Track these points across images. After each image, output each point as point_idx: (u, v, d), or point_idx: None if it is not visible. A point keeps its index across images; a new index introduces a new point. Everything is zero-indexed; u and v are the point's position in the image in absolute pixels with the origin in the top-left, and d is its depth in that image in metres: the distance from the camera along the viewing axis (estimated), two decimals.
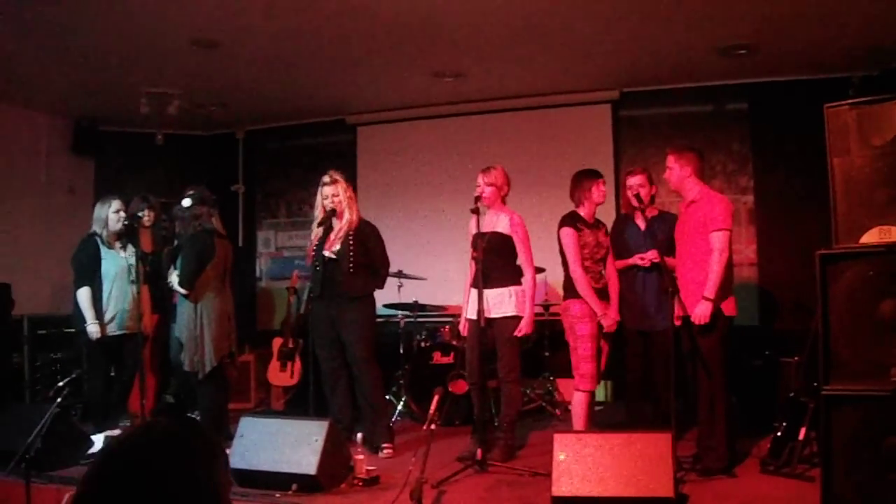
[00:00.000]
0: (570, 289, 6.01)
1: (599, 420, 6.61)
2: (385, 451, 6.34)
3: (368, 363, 6.44)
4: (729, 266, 5.52)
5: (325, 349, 6.53)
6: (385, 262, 6.66)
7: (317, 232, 6.56)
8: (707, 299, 5.36)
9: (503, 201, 6.38)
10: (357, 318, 6.42)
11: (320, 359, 6.55)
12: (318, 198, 6.56)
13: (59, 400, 5.92)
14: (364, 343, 6.43)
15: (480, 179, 6.31)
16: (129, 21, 6.59)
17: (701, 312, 5.36)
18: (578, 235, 6.01)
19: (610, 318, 5.94)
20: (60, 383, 6.29)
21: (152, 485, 1.53)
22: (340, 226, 6.48)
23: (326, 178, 6.53)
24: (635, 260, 6.38)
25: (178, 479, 1.56)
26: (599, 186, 6.16)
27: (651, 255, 6.22)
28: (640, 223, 6.44)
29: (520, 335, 6.15)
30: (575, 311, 5.94)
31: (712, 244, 5.43)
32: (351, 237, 6.43)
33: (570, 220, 6.08)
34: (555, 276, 7.80)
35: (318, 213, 6.55)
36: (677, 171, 5.69)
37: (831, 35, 7.03)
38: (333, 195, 6.46)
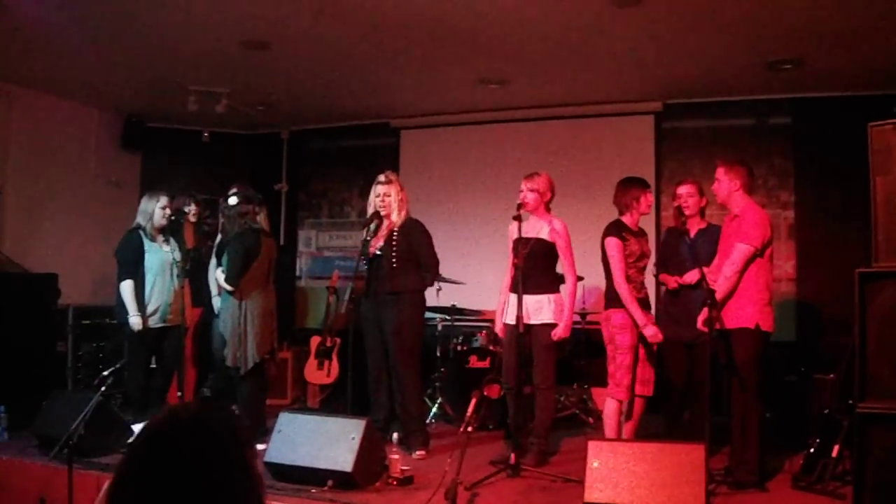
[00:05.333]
0: (612, 298, 6.00)
1: (634, 429, 6.63)
2: (418, 453, 6.39)
3: (406, 363, 6.47)
4: (766, 283, 5.50)
5: (372, 347, 6.60)
6: (432, 258, 6.63)
7: (365, 232, 6.62)
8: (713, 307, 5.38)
9: (547, 208, 6.41)
10: (398, 314, 6.44)
11: (368, 356, 6.63)
12: (371, 196, 6.62)
13: (102, 389, 6.05)
14: (403, 342, 6.44)
15: (524, 185, 6.33)
16: (182, 21, 6.71)
17: (700, 318, 5.46)
18: (624, 245, 6.02)
19: (653, 329, 5.94)
20: (105, 373, 6.41)
21: (190, 466, 1.59)
22: (386, 224, 6.55)
23: (382, 178, 6.59)
24: (668, 281, 6.38)
25: (214, 460, 1.62)
26: (648, 196, 6.16)
27: (690, 278, 6.18)
28: (687, 237, 6.42)
29: (556, 339, 6.18)
30: (616, 320, 5.94)
31: (733, 253, 5.46)
32: (395, 233, 6.48)
33: (616, 229, 6.08)
34: (592, 285, 7.84)
35: (370, 210, 6.61)
36: (726, 184, 5.65)
37: (878, 52, 7.01)
38: (385, 195, 6.52)
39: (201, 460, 1.61)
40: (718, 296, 5.40)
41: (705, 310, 5.40)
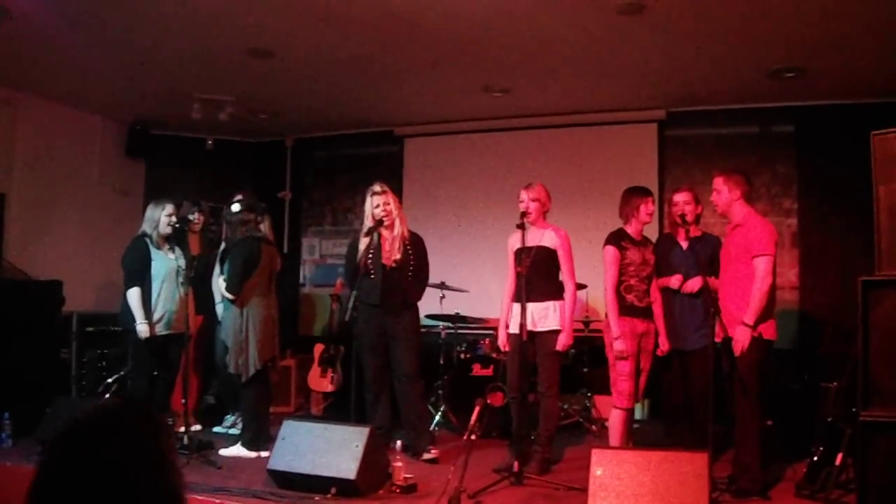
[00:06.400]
0: None
1: (637, 438, 6.62)
2: (432, 453, 6.43)
3: (415, 372, 6.55)
4: (771, 290, 5.48)
5: (372, 356, 6.62)
6: (428, 273, 6.83)
7: (365, 241, 6.62)
8: (747, 325, 5.33)
9: (545, 217, 6.43)
10: (409, 326, 6.57)
11: (366, 365, 6.65)
12: (368, 206, 6.62)
13: (106, 396, 6.07)
14: (413, 352, 6.55)
15: (524, 195, 6.34)
16: (187, 29, 6.75)
17: (740, 338, 5.34)
18: (622, 254, 6.05)
19: (621, 345, 5.96)
20: (109, 380, 6.43)
21: (109, 465, 1.55)
22: (394, 235, 6.58)
23: (377, 188, 6.62)
24: (669, 282, 6.34)
25: (131, 461, 1.58)
26: (648, 205, 6.18)
27: (692, 285, 6.16)
28: (683, 243, 6.35)
29: (561, 349, 6.19)
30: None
31: (755, 269, 5.39)
32: (409, 247, 6.55)
33: (615, 238, 6.13)
34: (596, 293, 7.84)
35: (368, 222, 6.61)
36: (726, 193, 5.64)
37: (881, 61, 7.02)
38: (385, 204, 6.55)
39: (117, 461, 1.57)
40: (754, 314, 5.34)
41: (719, 327, 5.42)
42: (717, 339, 5.53)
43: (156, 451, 1.65)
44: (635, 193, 6.25)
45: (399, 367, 6.55)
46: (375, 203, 6.57)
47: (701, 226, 6.63)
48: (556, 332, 6.17)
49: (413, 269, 6.56)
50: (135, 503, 1.57)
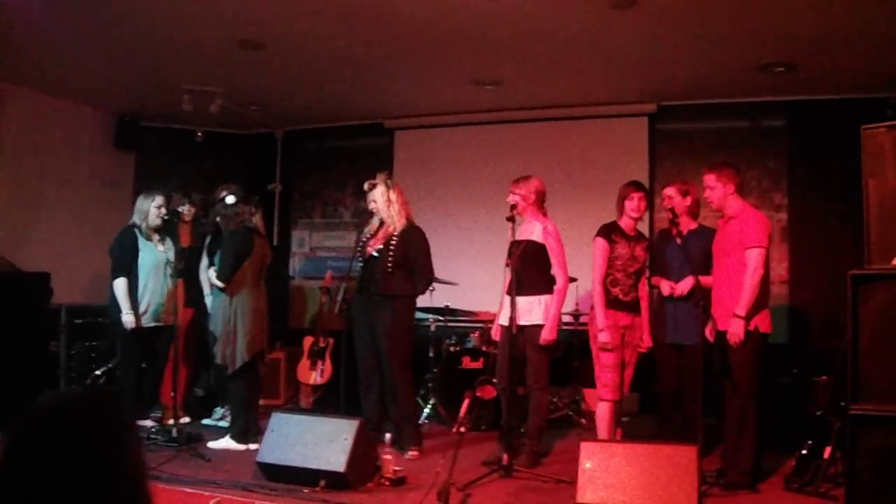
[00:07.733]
0: None
1: (627, 431, 6.62)
2: (411, 453, 6.41)
3: (399, 365, 6.48)
4: (765, 283, 5.48)
5: (362, 348, 6.62)
6: (425, 267, 6.63)
7: (364, 231, 6.76)
8: (739, 317, 5.33)
9: (541, 210, 6.41)
10: (390, 317, 6.46)
11: (358, 357, 6.64)
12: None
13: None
14: (395, 344, 6.46)
15: (511, 189, 6.37)
16: (177, 20, 6.71)
17: (734, 330, 5.34)
18: (611, 247, 6.04)
19: (605, 336, 5.96)
20: (97, 372, 6.40)
21: (73, 451, 1.56)
22: (385, 227, 6.59)
23: (365, 186, 6.68)
24: (661, 286, 6.33)
25: (97, 446, 1.60)
26: (632, 200, 6.13)
27: (683, 288, 6.15)
28: (677, 238, 6.18)
29: (543, 343, 6.17)
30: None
31: (747, 261, 5.39)
32: (394, 238, 6.50)
33: (605, 231, 6.13)
34: (586, 287, 7.84)
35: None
36: (720, 189, 5.61)
37: (871, 56, 7.02)
38: (372, 200, 6.60)
39: (79, 439, 1.58)
40: (746, 306, 5.35)
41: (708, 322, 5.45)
42: (710, 338, 5.53)
43: (116, 441, 1.65)
44: (623, 188, 6.24)
45: (382, 357, 6.54)
46: (367, 198, 6.65)
47: (700, 219, 6.60)
48: (540, 327, 6.17)
49: (392, 260, 6.46)
50: (92, 487, 1.57)
